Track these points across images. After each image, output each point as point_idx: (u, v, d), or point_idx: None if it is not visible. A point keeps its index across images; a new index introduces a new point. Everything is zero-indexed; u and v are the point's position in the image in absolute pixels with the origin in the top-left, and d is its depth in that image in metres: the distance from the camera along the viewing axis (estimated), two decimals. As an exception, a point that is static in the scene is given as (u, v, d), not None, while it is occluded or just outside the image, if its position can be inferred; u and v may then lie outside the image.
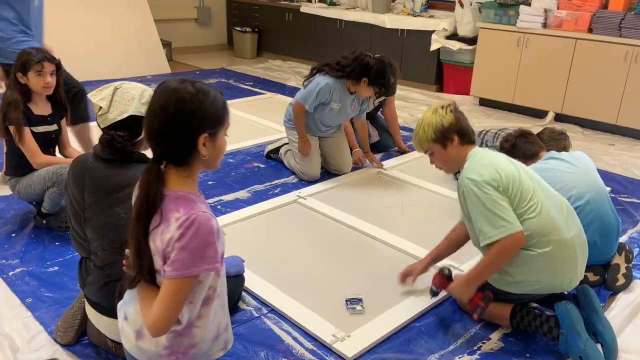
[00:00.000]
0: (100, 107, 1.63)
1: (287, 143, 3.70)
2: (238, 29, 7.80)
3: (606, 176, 3.75)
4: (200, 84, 1.32)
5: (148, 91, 1.69)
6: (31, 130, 2.60)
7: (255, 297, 2.23)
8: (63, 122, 2.79)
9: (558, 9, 4.81)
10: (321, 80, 3.36)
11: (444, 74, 6.00)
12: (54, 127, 2.73)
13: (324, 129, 3.61)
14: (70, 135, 2.99)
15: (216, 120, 1.33)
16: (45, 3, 5.45)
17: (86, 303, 1.81)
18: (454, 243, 2.29)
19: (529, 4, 4.96)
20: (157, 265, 1.36)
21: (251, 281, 2.28)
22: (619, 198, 3.42)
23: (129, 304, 1.46)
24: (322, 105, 3.43)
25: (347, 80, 3.36)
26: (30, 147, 2.58)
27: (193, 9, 7.85)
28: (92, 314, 1.81)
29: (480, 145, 3.32)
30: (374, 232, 2.82)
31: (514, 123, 4.96)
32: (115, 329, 1.75)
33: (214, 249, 1.30)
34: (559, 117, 5.03)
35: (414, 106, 5.49)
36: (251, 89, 5.93)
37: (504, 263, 1.94)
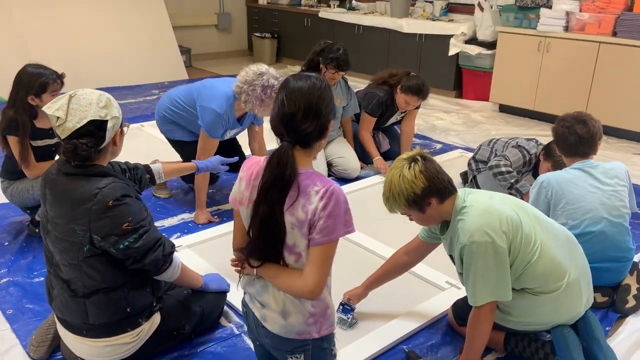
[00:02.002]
0: (58, 118, 1.57)
1: None
2: (257, 34, 7.79)
3: (628, 188, 3.55)
4: (321, 82, 1.46)
5: (105, 96, 1.63)
6: (31, 145, 2.56)
7: (239, 313, 2.15)
8: None
9: (580, 11, 4.60)
10: None
11: (463, 79, 5.83)
12: (55, 140, 2.69)
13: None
14: None
15: (334, 108, 1.51)
16: (63, 9, 5.56)
17: (55, 318, 1.77)
18: (397, 269, 2.14)
19: (550, 7, 4.77)
20: (292, 239, 1.44)
21: (235, 296, 2.21)
22: (640, 212, 3.22)
23: (260, 294, 1.54)
24: None
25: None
26: (30, 162, 2.55)
27: (213, 16, 7.88)
28: (60, 330, 1.76)
29: (490, 155, 3.18)
30: (371, 245, 2.72)
31: (534, 131, 4.78)
32: (82, 346, 1.71)
33: (350, 214, 1.45)
34: (598, 123, 4.80)
35: (430, 112, 5.34)
36: (266, 95, 5.88)
37: (488, 333, 1.77)
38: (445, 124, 4.99)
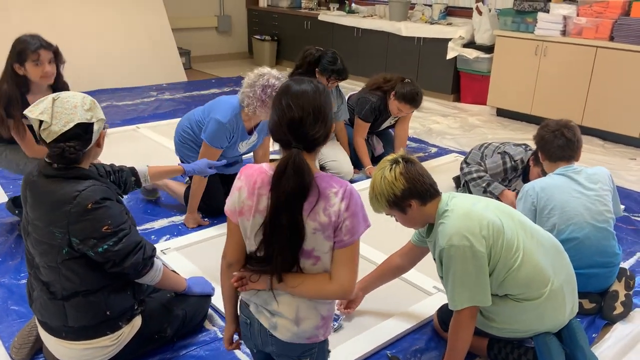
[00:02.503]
0: (41, 122, 1.56)
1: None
2: (257, 37, 7.80)
3: (622, 193, 3.52)
4: (320, 86, 1.46)
5: (88, 98, 1.63)
6: (29, 126, 2.46)
7: (223, 316, 2.15)
8: None
9: (578, 16, 4.59)
10: None
11: (461, 83, 5.82)
12: None
13: None
14: None
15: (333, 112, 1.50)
16: (61, 11, 5.56)
17: (36, 320, 1.77)
18: (391, 271, 2.14)
19: (548, 11, 4.75)
20: (311, 244, 1.42)
21: (220, 300, 2.20)
22: (632, 217, 3.21)
23: (269, 303, 1.49)
24: None
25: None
26: (28, 140, 2.49)
27: (213, 18, 7.89)
28: (41, 332, 1.76)
29: (481, 159, 3.17)
30: (362, 250, 2.70)
31: (530, 135, 4.72)
32: (62, 348, 1.71)
33: (364, 208, 1.47)
34: (580, 129, 4.78)
35: (427, 116, 5.33)
36: (264, 98, 5.88)
37: (469, 338, 1.75)
38: (441, 127, 4.98)
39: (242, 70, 7.39)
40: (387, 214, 1.84)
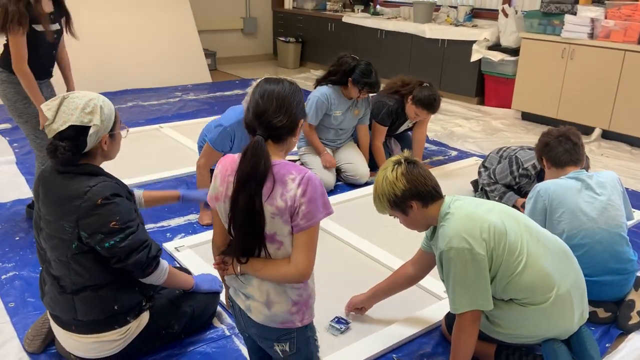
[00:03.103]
0: (48, 118, 1.62)
1: (299, 160, 3.64)
2: (282, 39, 7.85)
3: (647, 200, 3.44)
4: (293, 83, 1.58)
5: (94, 100, 1.65)
6: (33, 29, 2.51)
7: (231, 314, 2.16)
8: (63, 21, 2.77)
9: (606, 18, 4.48)
10: (316, 93, 3.44)
11: (486, 85, 5.74)
12: (57, 26, 2.68)
13: (334, 138, 3.61)
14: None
15: (305, 111, 1.61)
16: (91, 14, 5.70)
17: (48, 313, 1.82)
18: (403, 281, 2.11)
19: (575, 13, 4.66)
20: (272, 228, 1.49)
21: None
22: (657, 225, 3.11)
23: (244, 287, 1.59)
24: (326, 115, 3.46)
25: (340, 86, 3.41)
26: (20, 50, 2.49)
27: (239, 20, 7.98)
28: (52, 325, 1.81)
29: (499, 163, 3.12)
30: (373, 253, 2.70)
31: (555, 139, 4.66)
32: (71, 341, 1.75)
33: (326, 196, 1.53)
34: (606, 134, 4.68)
35: (449, 119, 5.28)
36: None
37: (472, 343, 1.73)
38: (463, 130, 4.92)
39: (266, 72, 7.45)
40: (390, 215, 1.85)
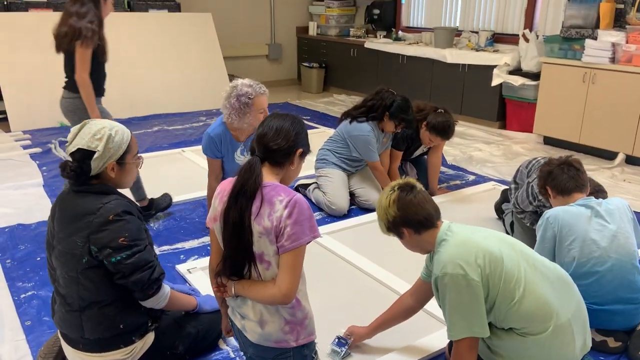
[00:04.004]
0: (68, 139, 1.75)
1: (316, 183, 3.69)
2: (306, 64, 8.00)
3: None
4: (297, 119, 1.71)
5: (106, 128, 1.74)
6: (100, 46, 2.96)
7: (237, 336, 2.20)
8: None
9: (627, 43, 4.44)
10: (364, 132, 3.48)
11: (507, 110, 5.72)
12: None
13: (355, 164, 3.64)
14: None
15: (307, 143, 1.72)
16: (121, 42, 5.95)
17: (59, 332, 1.89)
18: (402, 312, 2.10)
19: (595, 38, 4.63)
20: (260, 248, 1.56)
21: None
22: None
23: (240, 306, 1.67)
24: None
25: (378, 123, 3.49)
26: (86, 62, 2.92)
27: (264, 46, 8.17)
28: (63, 343, 1.87)
29: (521, 187, 3.06)
30: (382, 277, 2.70)
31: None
32: (79, 359, 1.81)
33: (314, 220, 1.59)
34: (630, 160, 4.59)
35: (469, 143, 5.27)
36: (307, 123, 6.01)
37: None
38: (483, 155, 4.90)
39: (290, 97, 7.59)
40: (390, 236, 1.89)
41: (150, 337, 1.87)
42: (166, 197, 3.45)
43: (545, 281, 1.74)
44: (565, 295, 1.77)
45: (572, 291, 1.82)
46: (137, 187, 3.28)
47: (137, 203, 1.88)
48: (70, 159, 1.74)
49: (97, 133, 1.72)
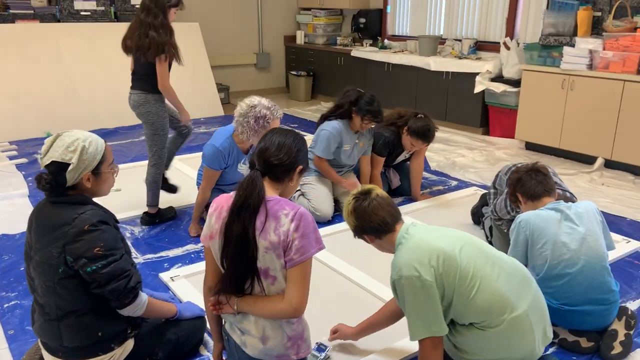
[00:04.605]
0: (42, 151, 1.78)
1: (300, 190, 3.74)
2: (294, 73, 8.06)
3: (645, 230, 3.43)
4: (298, 135, 1.75)
5: (79, 140, 1.76)
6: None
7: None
8: None
9: (604, 49, 4.54)
10: (328, 127, 3.53)
11: (490, 116, 5.81)
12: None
13: (337, 170, 3.70)
14: None
15: (307, 161, 1.75)
16: (107, 50, 5.98)
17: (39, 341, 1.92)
18: (387, 317, 2.15)
19: (573, 45, 4.73)
20: (265, 263, 1.56)
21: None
22: (652, 255, 3.10)
23: (241, 322, 1.67)
24: (337, 149, 3.57)
25: (348, 120, 3.53)
26: (166, 72, 3.36)
27: (252, 55, 8.23)
28: (43, 352, 1.90)
29: (501, 195, 3.13)
30: (365, 283, 2.74)
31: (559, 169, 4.67)
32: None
33: (318, 231, 1.62)
34: (609, 164, 4.68)
35: (453, 149, 5.34)
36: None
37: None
38: (466, 160, 4.98)
39: (278, 105, 7.61)
40: None
41: (129, 344, 1.90)
42: (171, 210, 3.58)
43: (501, 274, 1.80)
44: (521, 288, 1.83)
45: (529, 284, 1.88)
46: (153, 194, 3.42)
47: (111, 213, 1.88)
48: (45, 171, 1.76)
49: (71, 145, 1.75)
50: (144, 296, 1.86)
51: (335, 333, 2.23)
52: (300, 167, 1.71)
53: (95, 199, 1.86)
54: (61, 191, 1.77)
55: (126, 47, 3.41)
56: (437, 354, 1.75)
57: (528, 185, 2.34)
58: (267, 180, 1.65)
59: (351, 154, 3.65)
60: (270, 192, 1.64)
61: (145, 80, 3.38)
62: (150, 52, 3.20)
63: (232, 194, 1.65)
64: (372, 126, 3.62)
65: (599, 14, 4.79)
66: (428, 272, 1.71)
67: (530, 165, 2.41)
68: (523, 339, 1.79)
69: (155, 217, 3.45)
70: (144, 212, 3.45)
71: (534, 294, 1.87)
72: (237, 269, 1.58)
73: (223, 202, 1.67)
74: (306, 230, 1.56)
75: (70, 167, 1.74)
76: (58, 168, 1.74)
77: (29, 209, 3.70)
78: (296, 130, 1.76)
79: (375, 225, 1.84)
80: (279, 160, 1.64)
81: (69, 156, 1.74)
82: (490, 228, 3.18)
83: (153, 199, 3.42)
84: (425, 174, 4.45)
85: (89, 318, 1.78)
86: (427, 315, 1.72)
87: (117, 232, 1.83)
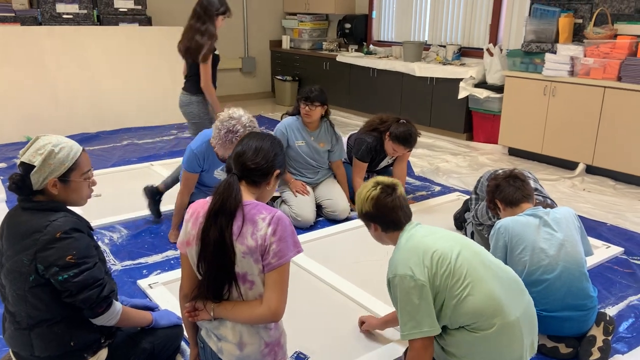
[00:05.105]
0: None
1: (280, 196, 3.73)
2: (279, 77, 8.05)
3: (625, 234, 3.45)
4: (276, 140, 1.74)
5: (51, 144, 1.73)
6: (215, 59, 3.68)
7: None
8: None
9: (585, 56, 4.59)
10: (277, 126, 3.63)
11: (473, 122, 5.84)
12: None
13: (309, 173, 3.70)
14: None
15: (284, 165, 1.76)
16: (91, 55, 5.93)
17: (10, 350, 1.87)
18: (391, 320, 2.18)
19: (555, 52, 4.77)
20: (243, 268, 1.54)
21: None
22: (631, 260, 3.13)
23: (217, 328, 1.65)
24: (289, 147, 3.59)
25: (300, 117, 3.59)
26: (210, 74, 3.62)
27: (238, 60, 8.21)
28: (14, 361, 1.86)
29: (482, 200, 3.14)
30: (348, 290, 2.71)
31: (540, 175, 4.71)
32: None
33: (296, 235, 1.61)
34: (590, 169, 4.72)
35: (437, 155, 5.36)
36: (278, 136, 6.04)
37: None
38: (450, 166, 4.99)
39: (264, 109, 7.62)
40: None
41: (103, 354, 1.86)
42: (158, 210, 3.61)
43: (495, 279, 1.80)
44: (515, 296, 1.84)
45: (523, 295, 1.89)
46: (172, 181, 3.58)
47: (85, 220, 1.85)
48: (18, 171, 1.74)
49: (41, 148, 1.72)
50: (117, 305, 1.83)
51: (363, 324, 2.31)
52: (278, 171, 1.71)
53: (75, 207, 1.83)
54: (28, 194, 1.73)
55: (179, 50, 3.76)
56: (428, 355, 1.76)
57: (506, 191, 2.35)
58: (243, 185, 1.64)
59: (310, 152, 3.63)
60: (247, 196, 1.63)
61: (191, 81, 3.73)
62: (194, 54, 3.59)
63: (209, 199, 1.64)
64: (326, 120, 3.68)
65: (580, 21, 4.85)
66: (421, 272, 1.73)
67: (509, 171, 2.42)
68: (512, 345, 1.79)
69: (158, 194, 3.55)
70: (154, 185, 3.56)
71: (527, 304, 1.87)
72: (215, 275, 1.56)
73: (199, 207, 1.65)
74: (284, 234, 1.55)
75: (34, 170, 1.70)
76: (25, 169, 1.71)
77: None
78: (273, 135, 1.76)
79: (388, 219, 1.89)
80: (256, 164, 1.64)
81: (35, 158, 1.71)
82: (472, 233, 3.19)
83: (171, 183, 3.58)
84: (409, 180, 4.46)
85: (60, 327, 1.75)
86: (419, 314, 1.73)
87: (90, 240, 1.80)
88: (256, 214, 1.56)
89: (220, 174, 3.16)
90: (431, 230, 1.91)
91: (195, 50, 3.57)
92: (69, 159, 1.75)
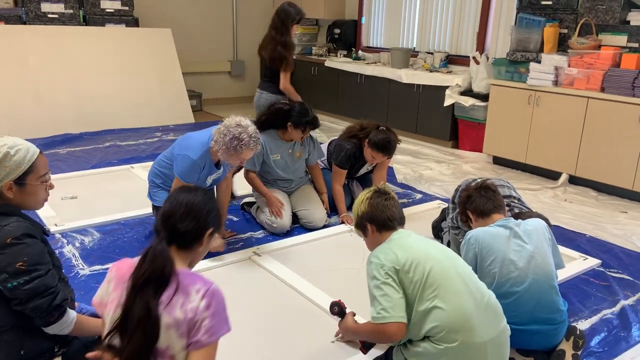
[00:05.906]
0: None
1: (255, 203, 3.68)
2: (267, 81, 8.01)
3: (604, 247, 3.44)
4: (207, 193, 1.59)
5: (6, 146, 1.68)
6: None
7: None
8: None
9: (569, 66, 4.58)
10: None
11: (459, 130, 5.83)
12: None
13: (283, 183, 3.64)
14: None
15: (217, 221, 1.59)
16: (75, 54, 5.88)
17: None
18: None
19: (540, 61, 4.77)
20: (165, 342, 1.38)
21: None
22: (608, 273, 3.10)
23: None
24: (265, 162, 3.49)
25: (276, 131, 3.48)
26: (289, 78, 4.25)
27: (227, 63, 8.17)
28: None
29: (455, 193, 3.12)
30: (318, 299, 2.67)
31: (523, 184, 4.70)
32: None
33: (227, 312, 1.48)
34: (573, 180, 4.71)
35: (421, 162, 5.34)
36: (263, 141, 6.00)
37: (381, 343, 1.89)
38: (433, 174, 4.97)
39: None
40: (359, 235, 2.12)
41: (57, 363, 1.82)
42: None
43: (469, 296, 1.80)
44: (489, 320, 1.83)
45: (499, 321, 1.88)
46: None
47: (40, 225, 1.80)
48: None
49: None
50: (72, 314, 1.77)
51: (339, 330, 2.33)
52: (211, 229, 1.56)
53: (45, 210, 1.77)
54: None
55: (263, 59, 4.34)
56: (396, 338, 1.82)
57: (477, 202, 2.33)
58: (174, 249, 1.48)
59: (287, 164, 3.55)
60: (179, 263, 1.48)
61: (274, 83, 4.26)
62: (277, 63, 4.16)
63: (136, 260, 1.45)
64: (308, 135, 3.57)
65: (565, 31, 4.84)
66: (393, 268, 1.81)
67: (480, 182, 2.41)
68: None
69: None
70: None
71: (500, 331, 1.86)
72: (132, 349, 1.38)
73: (125, 268, 1.47)
74: (218, 309, 1.42)
75: None
76: None
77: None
78: (204, 188, 1.62)
79: (382, 218, 1.97)
80: (186, 227, 1.48)
81: None
82: (449, 242, 3.16)
83: None
84: (391, 187, 4.42)
85: (10, 335, 1.69)
86: (391, 300, 1.78)
87: (44, 246, 1.75)
88: (190, 284, 1.42)
89: (209, 180, 3.08)
90: (421, 239, 1.98)
91: (279, 60, 4.12)
92: (25, 162, 1.71)
